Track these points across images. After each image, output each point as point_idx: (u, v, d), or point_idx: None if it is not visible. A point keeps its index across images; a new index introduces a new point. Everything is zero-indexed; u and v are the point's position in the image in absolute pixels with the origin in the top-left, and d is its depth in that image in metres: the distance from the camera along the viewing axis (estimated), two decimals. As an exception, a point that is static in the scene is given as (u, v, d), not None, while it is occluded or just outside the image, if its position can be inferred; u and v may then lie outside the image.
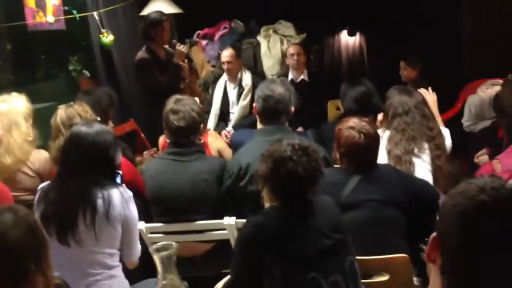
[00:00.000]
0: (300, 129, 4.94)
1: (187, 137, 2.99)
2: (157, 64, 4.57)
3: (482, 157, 4.16)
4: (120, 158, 2.58)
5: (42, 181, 2.98)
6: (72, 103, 3.25)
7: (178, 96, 3.11)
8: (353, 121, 2.60)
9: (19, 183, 3.09)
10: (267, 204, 2.15)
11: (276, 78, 3.12)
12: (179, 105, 2.98)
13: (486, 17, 5.39)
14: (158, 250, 1.99)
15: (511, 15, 5.17)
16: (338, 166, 2.75)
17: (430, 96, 3.39)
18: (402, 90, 3.23)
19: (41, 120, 3.35)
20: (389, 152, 3.01)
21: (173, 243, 2.01)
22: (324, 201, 2.13)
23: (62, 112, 3.09)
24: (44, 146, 3.30)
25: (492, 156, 4.03)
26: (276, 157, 2.05)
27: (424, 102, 3.14)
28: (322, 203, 2.10)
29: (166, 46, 4.78)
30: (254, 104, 3.01)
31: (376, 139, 2.60)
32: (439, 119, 3.34)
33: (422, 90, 3.38)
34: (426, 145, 3.01)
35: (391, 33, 5.71)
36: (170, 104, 3.02)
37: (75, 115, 3.05)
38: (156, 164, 3.08)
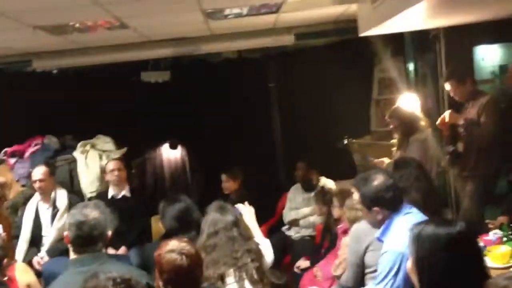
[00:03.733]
0: (122, 249, 4.69)
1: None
2: None
3: (303, 264, 4.27)
4: None
5: None
6: None
7: None
8: (172, 244, 2.48)
9: None
10: None
11: (89, 201, 2.93)
12: None
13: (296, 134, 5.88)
14: None
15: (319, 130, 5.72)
16: None
17: (247, 209, 3.45)
18: (218, 208, 3.23)
19: None
20: None
21: None
22: None
23: None
24: None
25: (312, 263, 4.17)
26: None
27: (235, 222, 3.15)
28: None
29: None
30: (65, 233, 2.74)
31: (199, 259, 2.50)
32: (257, 231, 3.39)
33: (239, 206, 3.43)
34: (229, 270, 2.98)
35: (212, 146, 5.88)
36: None
37: None
38: None
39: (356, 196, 2.94)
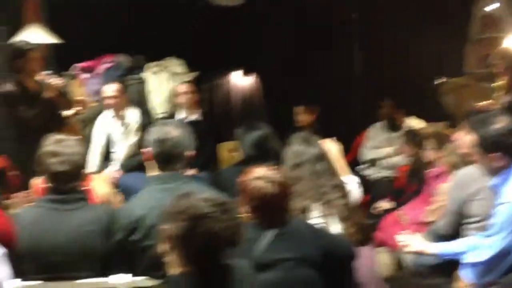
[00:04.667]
0: (192, 171, 4.67)
1: (69, 183, 2.55)
2: (24, 98, 4.08)
3: (384, 205, 4.12)
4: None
5: None
6: None
7: (58, 136, 2.66)
8: (258, 171, 2.40)
9: None
10: (173, 270, 1.78)
11: (171, 119, 2.84)
12: (60, 146, 2.55)
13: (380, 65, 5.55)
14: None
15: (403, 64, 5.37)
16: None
17: (335, 146, 3.29)
18: (302, 140, 3.08)
19: None
20: None
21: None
22: (241, 266, 1.84)
23: None
24: None
25: (395, 206, 4.01)
26: (190, 214, 1.72)
27: (320, 155, 2.99)
28: (240, 269, 1.82)
29: (39, 78, 4.27)
30: (145, 150, 2.66)
31: (287, 188, 2.41)
32: (345, 168, 3.24)
33: (327, 141, 3.27)
34: (314, 204, 2.86)
35: (284, 77, 5.67)
36: (49, 145, 2.57)
37: None
38: (31, 213, 2.60)
39: (466, 139, 2.70)
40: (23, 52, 4.08)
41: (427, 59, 5.33)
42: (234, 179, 2.93)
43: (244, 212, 2.39)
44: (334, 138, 3.38)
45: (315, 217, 2.83)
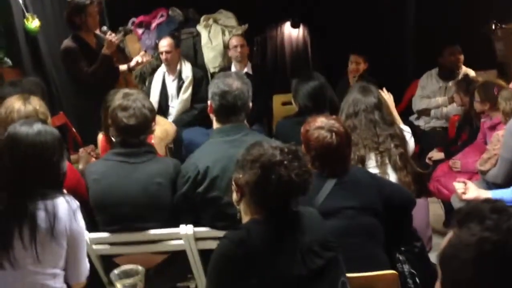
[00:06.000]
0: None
1: (137, 137, 2.65)
2: (85, 53, 4.17)
3: (436, 155, 4.10)
4: (66, 165, 2.22)
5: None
6: (29, 96, 2.79)
7: (126, 90, 2.75)
8: (321, 121, 2.42)
9: None
10: (245, 218, 1.86)
11: (231, 72, 2.83)
12: (129, 100, 2.63)
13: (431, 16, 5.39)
14: (120, 276, 1.67)
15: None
16: None
17: (387, 97, 3.29)
18: (360, 88, 3.08)
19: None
20: None
21: (139, 267, 1.70)
22: (310, 213, 1.89)
23: (20, 107, 2.66)
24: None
25: (446, 156, 3.99)
26: (264, 162, 1.77)
27: (377, 105, 3.00)
28: (310, 218, 1.86)
29: (98, 33, 4.37)
30: (209, 102, 2.69)
31: (348, 137, 2.44)
32: (398, 118, 3.25)
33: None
34: (370, 154, 2.90)
35: (335, 26, 5.58)
36: (119, 99, 2.66)
37: (34, 116, 2.63)
38: (101, 166, 2.70)
39: None
40: (81, 8, 4.12)
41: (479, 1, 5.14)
42: (290, 131, 3.04)
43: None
44: (384, 88, 3.35)
45: (372, 166, 2.88)
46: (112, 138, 2.89)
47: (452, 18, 5.18)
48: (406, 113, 5.04)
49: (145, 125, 2.65)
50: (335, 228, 2.20)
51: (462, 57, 4.84)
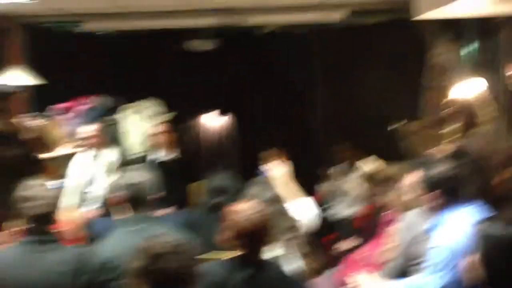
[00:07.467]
0: (164, 211, 4.76)
1: (41, 226, 2.69)
2: (4, 138, 4.16)
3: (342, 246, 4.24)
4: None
5: None
6: None
7: (30, 182, 2.82)
8: (246, 204, 2.54)
9: None
10: None
11: (138, 165, 3.05)
12: (33, 191, 2.72)
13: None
14: None
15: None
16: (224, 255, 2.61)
17: (284, 168, 3.46)
18: (257, 183, 3.25)
19: None
20: None
21: None
22: None
23: None
24: None
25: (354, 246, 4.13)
26: (149, 253, 1.95)
27: (275, 198, 3.13)
28: None
29: (18, 120, 4.41)
30: (116, 194, 2.85)
31: (267, 224, 2.49)
32: (296, 191, 3.35)
33: (270, 165, 3.47)
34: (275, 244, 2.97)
35: (253, 118, 5.86)
36: (22, 190, 2.74)
37: None
38: (6, 255, 2.74)
39: (412, 178, 2.89)
40: (7, 94, 4.19)
41: (385, 103, 5.56)
42: (199, 222, 3.29)
43: (225, 241, 2.50)
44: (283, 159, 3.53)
45: (276, 256, 2.95)
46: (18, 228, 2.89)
47: (359, 116, 5.61)
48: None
49: (48, 214, 2.70)
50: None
51: (356, 151, 5.13)
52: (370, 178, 4.31)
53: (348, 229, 4.80)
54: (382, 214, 3.86)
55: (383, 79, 5.47)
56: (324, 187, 5.42)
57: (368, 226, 4.29)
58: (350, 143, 5.23)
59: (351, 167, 5.22)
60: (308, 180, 5.01)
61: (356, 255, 3.94)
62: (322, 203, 5.27)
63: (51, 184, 2.92)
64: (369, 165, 5.01)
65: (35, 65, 5.55)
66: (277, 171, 3.43)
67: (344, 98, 5.92)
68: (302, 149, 5.77)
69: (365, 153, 5.09)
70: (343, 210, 5.17)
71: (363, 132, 5.50)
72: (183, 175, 5.15)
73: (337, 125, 5.81)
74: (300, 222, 3.22)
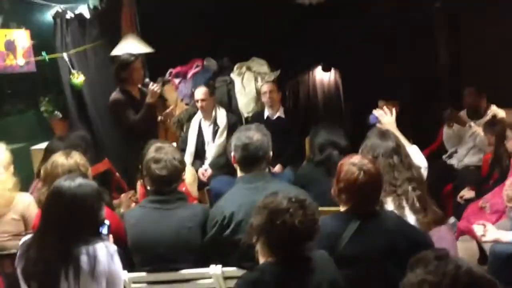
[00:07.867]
0: (278, 167, 4.93)
1: (169, 186, 2.92)
2: (131, 104, 4.53)
3: (467, 194, 4.12)
4: (105, 212, 2.48)
5: (26, 225, 3.24)
6: (71, 152, 3.08)
7: (158, 144, 3.05)
8: (356, 158, 2.54)
9: (4, 227, 3.19)
10: (261, 259, 2.05)
11: (251, 125, 3.12)
12: (161, 153, 2.93)
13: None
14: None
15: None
16: (335, 209, 2.65)
17: (388, 117, 3.36)
18: (378, 134, 3.17)
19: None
20: None
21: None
22: (321, 257, 2.05)
23: (63, 161, 2.96)
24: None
25: (477, 195, 4.01)
26: (271, 208, 1.99)
27: (395, 149, 3.04)
28: (320, 260, 2.02)
29: (140, 86, 4.73)
30: (232, 154, 2.95)
31: (377, 179, 2.48)
32: (403, 139, 3.26)
33: (379, 112, 3.37)
34: (388, 198, 2.92)
35: (365, 70, 5.73)
36: (151, 152, 2.96)
37: (76, 170, 2.93)
38: (138, 212, 2.98)
39: None
40: (128, 63, 4.51)
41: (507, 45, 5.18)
42: (309, 173, 3.34)
43: (335, 194, 2.53)
44: (384, 106, 3.46)
45: (390, 210, 2.93)
46: (148, 187, 3.16)
47: (482, 57, 5.27)
48: (438, 153, 5.12)
49: (175, 175, 2.92)
50: (355, 276, 2.25)
51: (480, 97, 4.92)
52: (495, 124, 4.11)
53: (471, 177, 4.61)
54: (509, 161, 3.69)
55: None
56: (446, 134, 5.19)
57: (493, 174, 4.13)
58: (473, 88, 4.93)
59: (475, 113, 5.00)
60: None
61: (480, 203, 3.81)
62: (441, 151, 5.18)
63: (174, 145, 3.12)
64: (496, 110, 4.78)
65: (145, 32, 5.79)
66: (386, 119, 3.34)
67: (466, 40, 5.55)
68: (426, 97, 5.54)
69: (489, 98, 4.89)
70: (467, 158, 4.97)
71: (486, 75, 5.10)
72: (296, 131, 5.19)
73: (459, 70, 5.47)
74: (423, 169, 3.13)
